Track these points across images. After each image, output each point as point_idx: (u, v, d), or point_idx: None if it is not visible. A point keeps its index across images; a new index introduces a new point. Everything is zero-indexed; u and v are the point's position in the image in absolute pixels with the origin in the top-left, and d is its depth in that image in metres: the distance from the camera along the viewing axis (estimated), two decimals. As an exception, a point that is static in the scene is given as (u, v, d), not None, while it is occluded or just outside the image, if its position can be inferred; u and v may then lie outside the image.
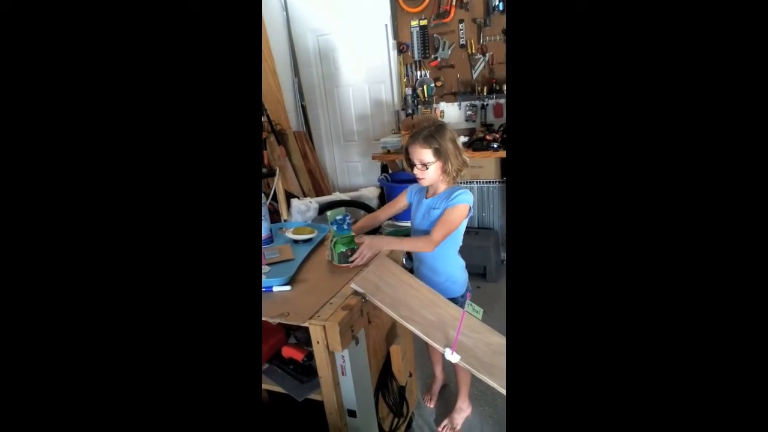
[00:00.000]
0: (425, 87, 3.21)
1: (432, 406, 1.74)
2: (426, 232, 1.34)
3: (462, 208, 1.30)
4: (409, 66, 3.26)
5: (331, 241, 1.27)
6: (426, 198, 1.40)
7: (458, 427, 1.60)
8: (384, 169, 3.35)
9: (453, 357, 1.00)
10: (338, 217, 1.27)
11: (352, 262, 1.25)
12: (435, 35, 3.10)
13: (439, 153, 1.29)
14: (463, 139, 2.92)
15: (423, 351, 1.81)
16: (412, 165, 1.36)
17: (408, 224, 1.54)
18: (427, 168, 1.31)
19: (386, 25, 3.27)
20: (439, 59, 3.14)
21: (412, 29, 3.15)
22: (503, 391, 0.95)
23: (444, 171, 1.32)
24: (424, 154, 1.30)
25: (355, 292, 1.11)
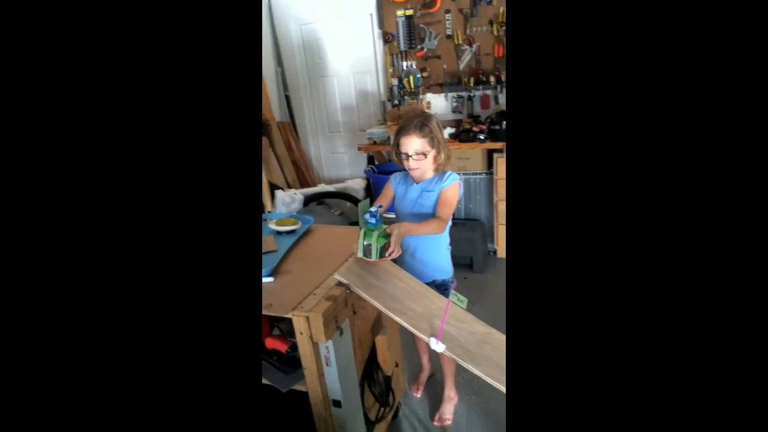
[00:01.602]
0: (411, 78, 3.19)
1: (419, 395, 1.75)
2: (419, 217, 1.34)
3: (456, 186, 1.33)
4: (395, 56, 3.23)
5: (366, 234, 1.11)
6: (414, 183, 1.39)
7: (450, 419, 1.61)
8: (370, 160, 3.33)
9: (438, 346, 0.99)
10: (372, 209, 1.13)
11: (389, 255, 1.13)
12: (421, 25, 3.07)
13: (433, 141, 1.30)
14: (449, 130, 2.91)
15: (410, 341, 1.82)
16: (405, 157, 1.32)
17: (393, 215, 1.52)
18: (425, 157, 1.30)
19: (371, 14, 3.22)
20: (425, 50, 3.11)
21: (397, 19, 3.11)
22: (488, 380, 0.95)
23: (436, 160, 1.33)
24: (420, 144, 1.29)
25: (339, 283, 1.09)
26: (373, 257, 1.11)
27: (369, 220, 1.12)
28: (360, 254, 1.12)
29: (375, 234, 1.11)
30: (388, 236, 1.13)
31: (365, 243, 1.11)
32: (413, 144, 1.29)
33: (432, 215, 1.33)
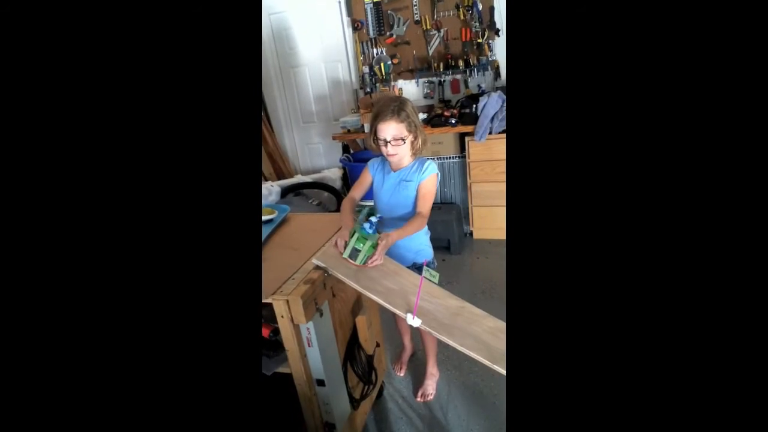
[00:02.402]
0: (382, 64, 3.20)
1: (402, 374, 1.81)
2: (396, 205, 1.37)
3: (434, 177, 1.34)
4: (364, 44, 3.23)
5: (359, 239, 1.14)
6: (392, 171, 1.39)
7: (432, 394, 1.67)
8: (345, 149, 3.35)
9: (414, 321, 1.04)
10: (373, 219, 1.17)
11: (372, 263, 1.16)
12: (389, 12, 3.08)
13: (411, 126, 1.30)
14: (422, 116, 2.95)
15: (391, 323, 1.87)
16: (384, 143, 1.31)
17: (370, 203, 1.54)
18: (404, 142, 1.30)
19: (340, 1, 3.21)
20: (394, 36, 3.12)
21: (366, 6, 3.11)
22: (462, 349, 1.00)
23: (413, 145, 1.34)
24: (399, 129, 1.29)
25: (317, 267, 1.13)
26: (358, 262, 1.15)
27: (367, 229, 1.15)
28: (346, 255, 1.15)
29: (368, 243, 1.15)
30: (377, 247, 1.16)
31: (355, 246, 1.15)
32: (391, 129, 1.28)
33: (409, 205, 1.36)
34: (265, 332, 1.17)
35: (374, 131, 1.33)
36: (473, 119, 2.71)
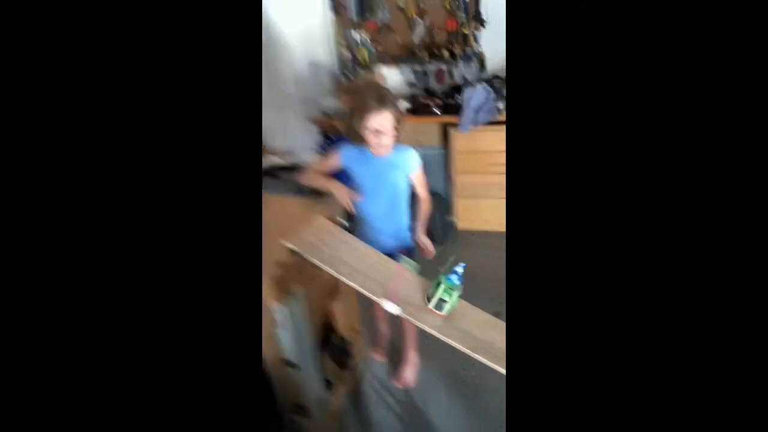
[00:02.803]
0: (365, 50, 3.15)
1: (380, 359, 1.80)
2: (385, 191, 1.40)
3: (419, 165, 1.43)
4: (346, 28, 3.17)
5: (446, 291, 1.11)
6: (376, 158, 1.35)
7: (411, 379, 1.67)
8: (322, 133, 3.30)
9: (389, 306, 1.03)
10: (459, 270, 1.15)
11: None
12: (373, -4, 3.02)
13: (398, 113, 1.29)
14: (405, 104, 2.92)
15: (370, 310, 1.86)
16: (377, 134, 1.26)
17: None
18: (395, 130, 1.28)
19: (321, -17, 3.14)
20: (377, 21, 3.07)
21: (348, -11, 3.04)
22: (442, 337, 1.00)
23: (397, 132, 1.32)
24: (392, 119, 1.26)
25: (292, 251, 1.10)
26: (444, 312, 1.11)
27: (455, 281, 1.13)
28: (432, 306, 1.10)
29: (455, 294, 1.12)
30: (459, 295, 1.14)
31: (441, 298, 1.10)
32: (384, 120, 1.25)
33: (396, 189, 1.40)
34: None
35: (364, 122, 1.27)
36: (457, 110, 2.70)
